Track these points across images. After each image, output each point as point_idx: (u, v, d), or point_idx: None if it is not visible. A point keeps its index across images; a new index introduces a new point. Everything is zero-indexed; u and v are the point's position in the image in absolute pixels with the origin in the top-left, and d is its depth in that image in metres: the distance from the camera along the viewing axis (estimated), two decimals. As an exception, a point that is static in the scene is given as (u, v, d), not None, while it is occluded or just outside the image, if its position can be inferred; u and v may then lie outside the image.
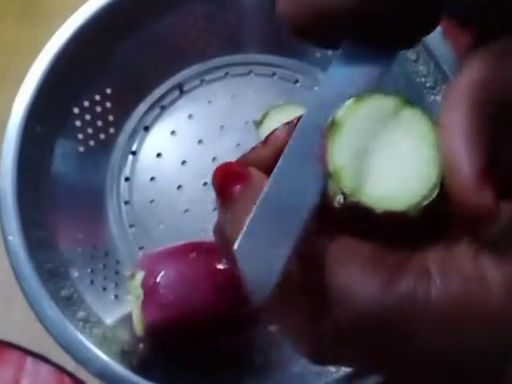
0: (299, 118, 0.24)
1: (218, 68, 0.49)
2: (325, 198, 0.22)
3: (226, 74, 0.49)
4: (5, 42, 0.53)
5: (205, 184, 0.46)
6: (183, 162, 0.47)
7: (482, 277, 0.19)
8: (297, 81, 0.48)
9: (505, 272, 0.19)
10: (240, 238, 0.21)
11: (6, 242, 0.39)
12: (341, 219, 0.21)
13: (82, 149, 0.46)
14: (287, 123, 0.24)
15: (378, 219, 0.21)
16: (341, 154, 0.22)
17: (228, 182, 0.22)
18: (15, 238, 0.39)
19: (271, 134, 0.24)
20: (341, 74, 0.23)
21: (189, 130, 0.47)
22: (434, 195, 0.21)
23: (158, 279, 0.36)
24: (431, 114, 0.22)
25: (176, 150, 0.47)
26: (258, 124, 0.46)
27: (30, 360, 0.44)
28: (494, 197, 0.19)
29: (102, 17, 0.44)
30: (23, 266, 0.38)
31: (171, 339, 0.37)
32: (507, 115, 0.20)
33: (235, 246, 0.21)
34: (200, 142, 0.47)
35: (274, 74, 0.48)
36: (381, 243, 0.21)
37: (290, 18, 0.23)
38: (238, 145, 0.47)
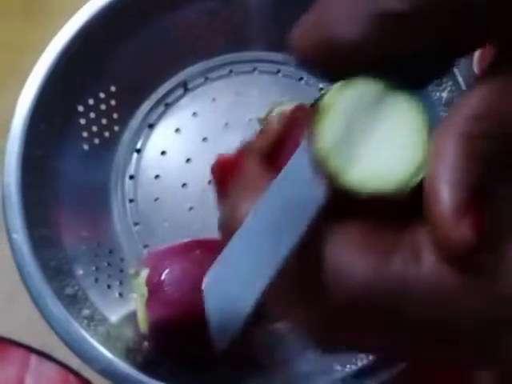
0: (296, 108, 0.23)
1: (222, 66, 0.49)
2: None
3: (231, 71, 0.49)
4: (9, 41, 0.53)
5: (209, 182, 0.46)
6: (188, 160, 0.47)
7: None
8: (301, 78, 0.48)
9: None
10: (209, 271, 0.20)
11: (10, 239, 0.39)
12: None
13: (86, 147, 0.46)
14: (283, 114, 0.24)
15: (365, 202, 0.21)
16: (327, 136, 0.21)
17: (225, 173, 0.23)
18: (20, 236, 0.39)
19: (267, 124, 0.24)
20: None
21: (193, 128, 0.47)
22: (419, 178, 0.21)
23: (162, 277, 0.36)
24: (421, 100, 0.22)
25: (180, 147, 0.47)
26: (263, 121, 0.46)
27: (34, 358, 0.44)
28: (473, 230, 0.19)
29: (106, 15, 0.44)
30: (28, 264, 0.38)
31: (176, 337, 0.37)
32: (503, 149, 0.20)
33: (203, 282, 0.20)
34: (204, 139, 0.47)
35: (278, 71, 0.48)
36: (370, 223, 0.21)
37: (303, 51, 0.22)
38: (242, 142, 0.46)
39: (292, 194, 0.21)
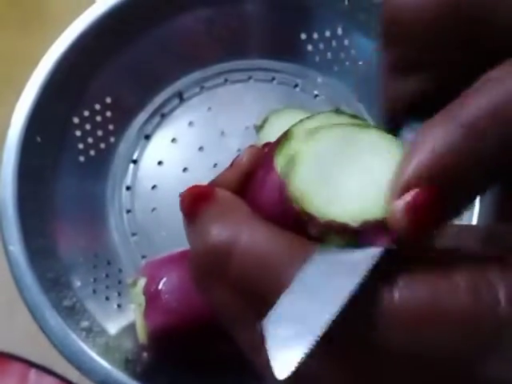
0: (266, 144, 0.23)
1: (217, 75, 0.49)
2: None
3: (226, 80, 0.49)
4: (6, 51, 0.53)
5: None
6: (184, 170, 0.47)
7: (449, 279, 0.19)
8: (296, 85, 0.48)
9: (468, 276, 0.19)
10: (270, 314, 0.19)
11: (7, 251, 0.39)
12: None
13: (82, 158, 0.46)
14: (251, 146, 0.24)
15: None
16: (303, 181, 0.21)
17: (194, 201, 0.22)
18: (16, 248, 0.39)
19: (236, 158, 0.24)
20: None
21: (189, 138, 0.47)
22: None
23: (159, 286, 0.36)
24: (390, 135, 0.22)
25: (177, 157, 0.47)
26: (259, 129, 0.46)
27: (33, 372, 0.44)
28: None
29: (101, 25, 0.44)
30: (25, 276, 0.38)
31: (174, 346, 0.37)
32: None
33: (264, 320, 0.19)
34: (201, 148, 0.47)
35: (273, 78, 0.48)
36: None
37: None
38: (238, 150, 0.46)
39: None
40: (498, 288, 0.19)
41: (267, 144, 0.24)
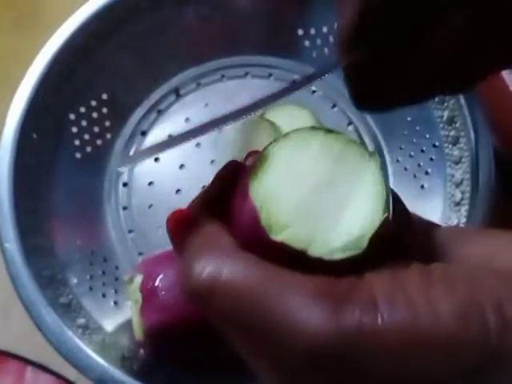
0: (248, 155, 0.24)
1: (213, 71, 0.48)
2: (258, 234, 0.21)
3: (222, 76, 0.48)
4: (1, 51, 0.53)
5: (204, 187, 0.45)
6: (181, 166, 0.47)
7: (430, 304, 0.19)
8: (293, 81, 0.48)
9: (457, 301, 0.19)
10: None
11: (2, 249, 0.39)
12: (279, 257, 0.21)
13: (78, 155, 0.45)
14: (231, 160, 0.24)
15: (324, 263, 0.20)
16: (283, 212, 0.21)
17: (178, 231, 0.23)
18: (12, 245, 0.39)
19: (217, 174, 0.24)
20: None
21: (186, 134, 0.47)
22: (377, 228, 0.20)
23: (156, 282, 0.35)
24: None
25: (174, 154, 0.47)
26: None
27: (30, 370, 0.44)
28: None
29: (95, 23, 0.44)
30: (21, 273, 0.38)
31: (171, 343, 0.36)
32: None
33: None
34: (198, 145, 0.47)
35: (270, 75, 0.48)
36: (323, 275, 0.20)
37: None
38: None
39: None
40: (488, 315, 0.18)
41: (250, 153, 0.24)
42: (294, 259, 0.20)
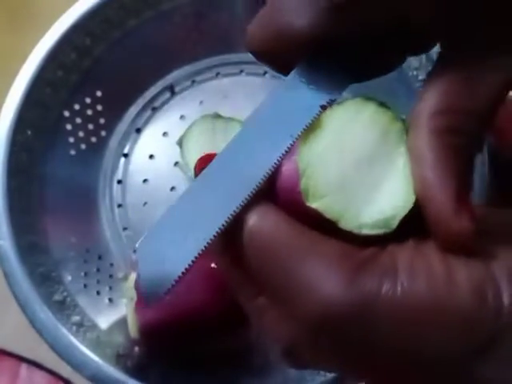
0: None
1: (208, 68, 0.48)
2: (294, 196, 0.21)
3: (217, 74, 0.48)
4: (-6, 47, 0.53)
5: (198, 185, 0.46)
6: (176, 163, 0.46)
7: (450, 278, 0.19)
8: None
9: (473, 275, 0.19)
10: (145, 234, 0.21)
11: (-4, 246, 0.39)
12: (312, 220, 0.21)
13: (73, 152, 0.45)
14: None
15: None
16: (323, 181, 0.21)
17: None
18: (6, 243, 0.38)
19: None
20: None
21: (181, 131, 0.46)
22: (408, 210, 0.21)
23: (151, 280, 0.35)
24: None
25: (168, 151, 0.47)
26: (251, 123, 0.46)
27: (24, 367, 0.44)
28: (471, 219, 0.20)
29: (89, 19, 0.43)
30: (15, 271, 0.38)
31: (166, 340, 0.37)
32: (466, 142, 0.20)
33: (136, 245, 0.21)
34: (192, 142, 0.47)
35: (265, 72, 0.48)
36: (348, 242, 0.21)
37: (258, 44, 0.24)
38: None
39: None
40: (502, 290, 0.19)
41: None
42: (324, 228, 0.21)
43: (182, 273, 0.20)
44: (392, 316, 0.19)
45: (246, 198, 0.21)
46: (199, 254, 0.20)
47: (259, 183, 0.21)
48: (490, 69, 0.21)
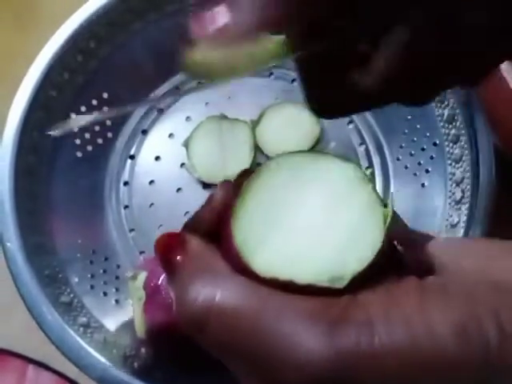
0: (241, 174, 0.23)
1: (214, 70, 0.48)
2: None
3: (223, 75, 0.48)
4: (1, 49, 0.53)
5: (204, 186, 0.46)
6: (182, 165, 0.47)
7: (429, 325, 0.18)
8: (294, 80, 0.48)
9: (452, 316, 0.18)
10: None
11: (4, 248, 0.39)
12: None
13: (79, 154, 0.45)
14: (224, 181, 0.24)
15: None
16: (260, 253, 0.21)
17: (168, 252, 0.23)
18: (13, 244, 0.39)
19: (210, 196, 0.24)
20: None
21: (187, 132, 0.47)
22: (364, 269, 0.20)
23: (160, 280, 0.35)
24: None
25: (174, 152, 0.47)
26: (256, 124, 0.46)
27: (31, 368, 0.44)
28: None
29: (96, 22, 0.44)
30: (22, 272, 0.38)
31: (173, 341, 0.36)
32: None
33: None
34: (199, 144, 0.47)
35: (270, 73, 0.48)
36: (316, 296, 0.20)
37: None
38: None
39: None
40: (486, 329, 0.18)
41: (244, 172, 0.24)
42: (284, 285, 0.20)
43: None
44: (375, 371, 0.18)
45: None
46: None
47: None
48: None
